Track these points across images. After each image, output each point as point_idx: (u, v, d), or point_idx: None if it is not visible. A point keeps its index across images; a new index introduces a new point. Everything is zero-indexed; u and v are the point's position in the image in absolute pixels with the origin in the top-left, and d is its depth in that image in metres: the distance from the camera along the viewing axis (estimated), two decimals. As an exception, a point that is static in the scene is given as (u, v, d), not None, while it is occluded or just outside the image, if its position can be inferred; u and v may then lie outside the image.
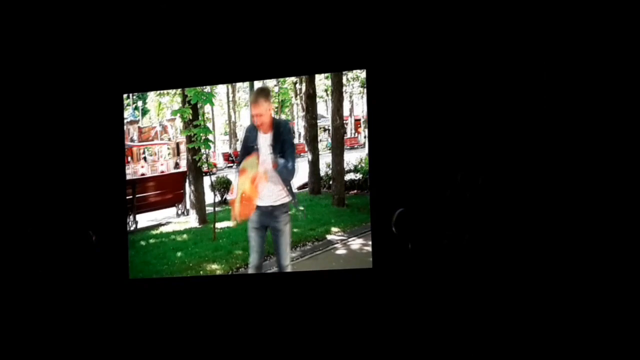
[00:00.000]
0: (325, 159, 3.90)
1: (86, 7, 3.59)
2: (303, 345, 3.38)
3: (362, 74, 3.73)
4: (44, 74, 3.75)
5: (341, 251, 3.64)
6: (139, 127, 4.12)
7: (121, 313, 3.60)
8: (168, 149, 4.10)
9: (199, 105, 3.84)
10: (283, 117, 4.00)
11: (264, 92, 3.68)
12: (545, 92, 3.08)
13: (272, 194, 3.61)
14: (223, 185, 3.98)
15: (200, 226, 3.92)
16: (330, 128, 3.95)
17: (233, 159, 4.02)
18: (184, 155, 3.98)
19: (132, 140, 4.06)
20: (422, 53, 3.35)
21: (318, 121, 3.97)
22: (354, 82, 3.94)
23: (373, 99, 3.46)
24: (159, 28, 3.65)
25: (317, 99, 3.89)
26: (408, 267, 3.17)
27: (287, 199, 3.62)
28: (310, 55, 3.56)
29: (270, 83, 3.90)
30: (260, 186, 3.62)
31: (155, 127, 4.13)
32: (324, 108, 4.00)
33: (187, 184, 3.99)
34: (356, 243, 3.63)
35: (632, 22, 2.91)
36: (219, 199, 3.95)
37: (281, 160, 3.59)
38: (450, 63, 3.29)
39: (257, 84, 3.80)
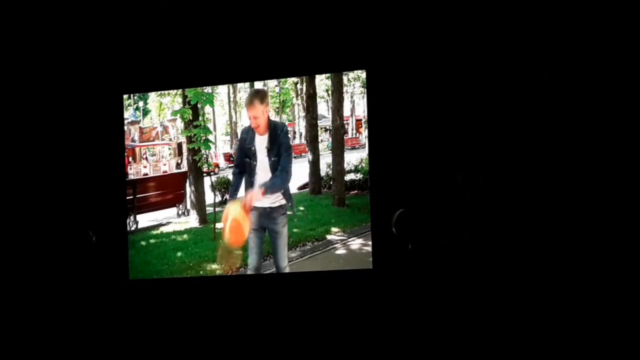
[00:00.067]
0: (326, 159, 3.89)
1: (86, 8, 3.59)
2: (303, 346, 3.38)
3: (363, 74, 3.72)
4: (44, 75, 3.75)
5: (341, 251, 3.64)
6: (140, 128, 4.12)
7: (121, 314, 3.61)
8: (169, 149, 4.11)
9: (199, 106, 3.85)
10: (284, 117, 4.00)
11: (259, 94, 3.67)
12: (545, 92, 3.07)
13: (269, 196, 3.61)
14: (223, 186, 3.98)
15: (200, 226, 3.92)
16: (331, 128, 3.95)
17: (234, 158, 4.02)
18: (186, 155, 3.98)
19: (133, 141, 4.06)
20: (422, 53, 3.34)
21: (319, 121, 3.97)
22: (355, 82, 3.93)
23: (373, 99, 3.46)
24: (159, 28, 3.65)
25: (319, 99, 3.89)
26: (408, 267, 3.17)
27: (284, 201, 3.62)
28: (310, 56, 3.55)
29: (271, 83, 3.90)
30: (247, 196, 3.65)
31: (156, 127, 4.13)
32: (325, 108, 4.00)
33: (187, 184, 4.00)
34: (356, 243, 3.62)
35: (632, 22, 2.90)
36: (220, 199, 3.95)
37: (268, 182, 3.59)
38: (451, 63, 3.28)
39: (258, 84, 3.80)
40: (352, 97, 4.01)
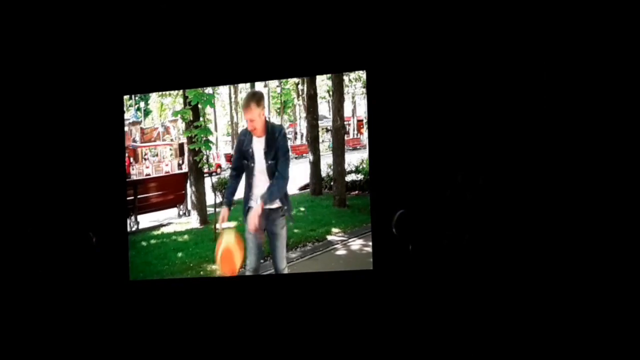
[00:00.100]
0: (327, 160, 3.89)
1: (86, 8, 3.60)
2: (303, 347, 3.38)
3: (364, 74, 3.71)
4: (45, 75, 3.76)
5: (341, 252, 3.63)
6: (141, 128, 4.13)
7: (121, 315, 3.61)
8: (170, 149, 4.11)
9: (199, 107, 3.85)
10: (285, 117, 4.00)
11: (255, 97, 3.67)
12: (545, 92, 3.07)
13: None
14: (224, 186, 3.98)
15: (201, 227, 3.92)
16: (332, 129, 3.95)
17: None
18: (187, 156, 3.99)
19: (134, 141, 4.07)
20: (422, 54, 3.34)
21: (320, 122, 3.97)
22: (357, 82, 3.93)
23: (373, 99, 3.46)
24: (159, 29, 3.66)
25: (320, 100, 3.88)
26: (408, 268, 3.17)
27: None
28: (310, 57, 3.56)
29: (273, 84, 3.91)
30: (256, 189, 3.64)
31: (157, 128, 4.14)
32: (327, 109, 3.99)
33: (188, 185, 4.00)
34: (357, 244, 3.62)
35: (632, 22, 2.89)
36: (220, 199, 3.95)
37: (266, 194, 3.60)
38: (451, 63, 3.28)
39: (259, 85, 3.81)
40: (353, 97, 4.01)
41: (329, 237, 3.70)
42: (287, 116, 4.01)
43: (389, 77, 3.39)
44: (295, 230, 3.69)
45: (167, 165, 4.10)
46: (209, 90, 3.83)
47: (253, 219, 3.61)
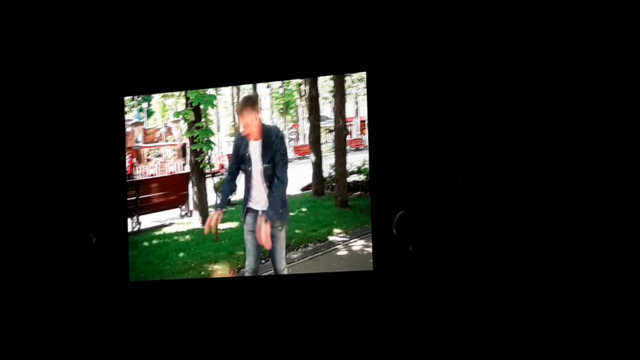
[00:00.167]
0: (330, 161, 3.89)
1: (87, 9, 3.62)
2: (303, 348, 3.38)
3: (367, 75, 3.72)
4: (45, 76, 3.79)
5: (343, 252, 3.63)
6: (143, 129, 4.14)
7: (121, 315, 3.63)
8: (173, 150, 4.13)
9: (201, 107, 3.87)
10: (288, 118, 4.00)
11: (249, 102, 3.68)
12: (545, 92, 3.05)
13: (267, 201, 3.64)
14: (225, 187, 3.99)
15: (203, 227, 3.92)
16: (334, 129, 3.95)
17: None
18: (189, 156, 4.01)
19: (137, 142, 4.09)
20: (423, 54, 3.34)
21: (323, 123, 3.96)
22: (360, 83, 3.92)
23: (373, 100, 3.46)
24: (160, 30, 3.68)
25: (324, 101, 3.88)
26: (409, 269, 3.16)
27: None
28: (310, 58, 3.56)
29: (275, 85, 3.91)
30: (254, 191, 3.65)
31: (159, 128, 4.15)
32: (330, 110, 3.99)
33: (190, 185, 4.01)
34: (358, 244, 3.61)
35: (632, 22, 2.88)
36: (223, 200, 3.97)
37: (270, 212, 3.60)
38: (451, 64, 3.28)
39: (261, 86, 3.81)
40: (356, 98, 4.00)
41: (331, 238, 3.69)
42: (289, 117, 4.01)
43: (389, 79, 3.39)
44: (297, 231, 3.69)
45: (171, 165, 4.12)
46: (210, 91, 3.84)
47: (266, 238, 3.60)
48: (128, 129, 3.98)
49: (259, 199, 3.64)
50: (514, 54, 3.15)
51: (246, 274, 3.66)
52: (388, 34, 3.40)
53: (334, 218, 3.74)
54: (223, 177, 4.00)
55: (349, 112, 3.86)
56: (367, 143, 3.94)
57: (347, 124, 3.86)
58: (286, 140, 3.79)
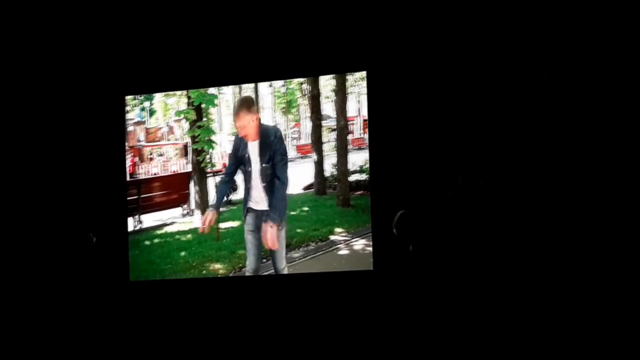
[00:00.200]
0: (332, 160, 3.88)
1: (88, 9, 3.63)
2: (303, 348, 3.38)
3: (369, 74, 3.71)
4: (46, 76, 3.81)
5: (344, 252, 3.62)
6: (146, 128, 4.16)
7: (121, 315, 3.64)
8: (176, 149, 4.14)
9: (202, 107, 3.87)
10: (290, 117, 4.00)
11: (246, 104, 3.67)
12: (545, 92, 3.04)
13: (266, 201, 3.64)
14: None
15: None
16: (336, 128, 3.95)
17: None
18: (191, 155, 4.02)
19: (139, 141, 4.10)
20: (423, 54, 3.33)
21: (325, 122, 3.96)
22: (362, 82, 3.91)
23: (374, 100, 3.45)
24: (161, 29, 3.69)
25: (326, 100, 3.88)
26: (409, 269, 3.15)
27: None
28: (311, 58, 3.56)
29: (278, 83, 3.91)
30: (254, 191, 3.65)
31: (161, 127, 4.16)
32: (332, 108, 3.99)
33: (192, 184, 4.02)
34: (359, 244, 3.61)
35: (632, 22, 2.86)
36: (224, 199, 3.97)
37: (274, 215, 3.59)
38: (451, 64, 3.27)
39: (263, 85, 3.81)
40: (358, 96, 4.00)
41: (332, 237, 3.69)
42: (291, 116, 4.01)
43: (390, 78, 3.38)
44: (299, 230, 3.69)
45: (174, 164, 4.13)
46: (212, 90, 3.85)
47: (272, 241, 3.60)
48: (130, 128, 3.99)
49: (259, 199, 3.64)
50: (514, 54, 3.14)
51: (247, 274, 3.66)
52: (388, 34, 3.39)
53: (335, 217, 3.74)
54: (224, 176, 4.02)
55: (351, 111, 3.85)
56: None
57: (349, 123, 3.86)
58: (287, 140, 3.79)
